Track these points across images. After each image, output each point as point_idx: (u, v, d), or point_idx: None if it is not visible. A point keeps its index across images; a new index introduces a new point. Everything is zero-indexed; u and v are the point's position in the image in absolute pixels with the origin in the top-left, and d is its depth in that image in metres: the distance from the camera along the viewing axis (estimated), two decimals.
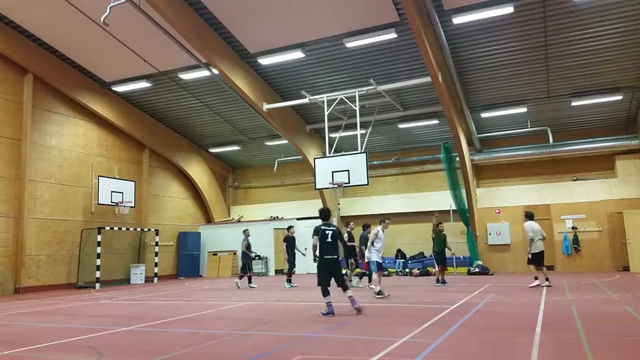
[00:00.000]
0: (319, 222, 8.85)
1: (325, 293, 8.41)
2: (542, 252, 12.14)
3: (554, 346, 5.53)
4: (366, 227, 13.57)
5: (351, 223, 14.28)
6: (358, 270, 14.32)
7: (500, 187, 19.73)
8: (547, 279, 12.33)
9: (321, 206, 20.68)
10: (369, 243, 11.49)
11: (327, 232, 8.48)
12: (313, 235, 8.54)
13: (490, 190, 19.83)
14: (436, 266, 14.16)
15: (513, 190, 19.43)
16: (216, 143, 22.78)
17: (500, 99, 17.09)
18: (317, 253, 8.47)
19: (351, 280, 13.67)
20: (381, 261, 11.45)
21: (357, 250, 13.66)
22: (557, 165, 19.05)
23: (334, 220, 21.08)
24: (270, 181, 24.24)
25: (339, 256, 8.68)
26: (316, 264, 8.58)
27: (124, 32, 14.66)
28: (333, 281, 8.57)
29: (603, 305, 8.77)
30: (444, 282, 13.81)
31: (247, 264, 15.24)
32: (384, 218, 12.08)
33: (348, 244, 13.23)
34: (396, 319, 7.93)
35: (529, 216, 12.46)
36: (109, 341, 6.61)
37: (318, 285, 8.53)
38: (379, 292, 10.93)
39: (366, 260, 11.74)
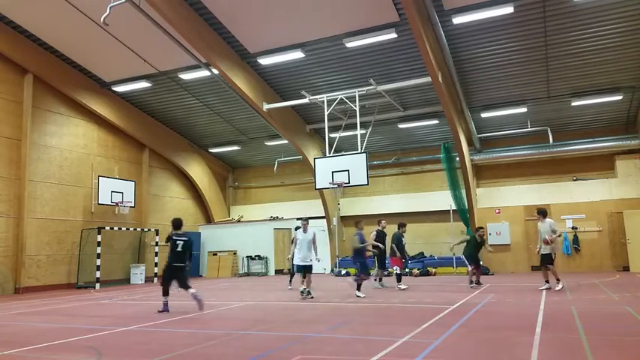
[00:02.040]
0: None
1: (165, 293, 9.42)
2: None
3: (554, 346, 5.53)
4: (401, 226, 13.34)
5: (383, 221, 13.68)
6: (392, 270, 13.74)
7: (500, 187, 19.73)
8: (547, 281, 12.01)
9: (320, 206, 21.00)
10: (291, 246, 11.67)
11: (177, 241, 9.32)
12: (166, 242, 9.45)
13: (490, 190, 19.83)
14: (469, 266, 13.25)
15: (513, 190, 19.43)
16: (216, 143, 22.78)
17: (500, 99, 17.09)
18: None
19: (376, 280, 13.45)
20: (302, 263, 11.18)
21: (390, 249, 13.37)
22: (557, 165, 19.04)
23: (334, 221, 21.12)
24: (270, 181, 24.24)
25: (185, 264, 9.46)
26: (164, 269, 9.64)
27: (124, 32, 14.66)
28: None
29: (603, 305, 8.77)
30: (478, 282, 13.25)
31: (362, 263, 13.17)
32: (302, 218, 12.02)
33: (374, 243, 13.11)
34: (396, 319, 7.93)
35: (545, 213, 11.68)
36: (109, 341, 6.61)
37: (162, 285, 9.57)
38: (302, 292, 11.20)
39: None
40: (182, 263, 9.36)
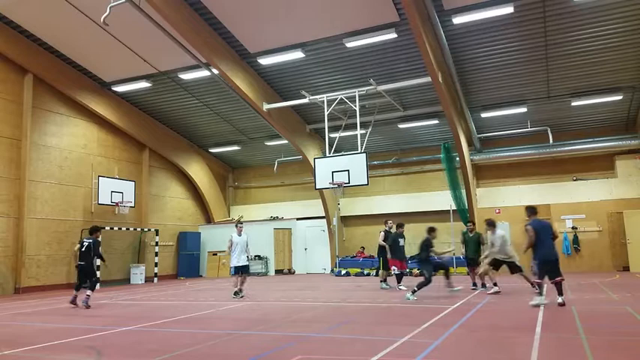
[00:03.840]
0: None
1: (77, 289, 10.98)
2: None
3: (554, 346, 5.53)
4: (399, 227, 13.10)
5: (389, 221, 13.63)
6: (382, 271, 13.69)
7: (501, 187, 19.73)
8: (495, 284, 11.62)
9: (320, 206, 21.00)
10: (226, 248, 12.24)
11: (84, 243, 11.00)
12: (79, 244, 11.22)
13: (490, 190, 19.82)
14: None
15: (513, 190, 19.43)
16: (216, 143, 22.78)
17: (500, 99, 17.09)
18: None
19: (382, 281, 13.37)
20: (239, 264, 11.87)
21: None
22: (557, 165, 19.04)
23: (334, 221, 21.10)
24: (270, 181, 24.23)
25: (90, 263, 10.95)
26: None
27: (124, 32, 14.65)
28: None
29: (603, 305, 8.77)
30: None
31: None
32: (237, 221, 12.58)
33: (382, 243, 13.12)
34: (396, 319, 7.94)
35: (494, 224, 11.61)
36: (109, 341, 6.61)
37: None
38: (235, 293, 11.82)
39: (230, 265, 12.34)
40: (84, 262, 10.87)
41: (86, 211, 18.06)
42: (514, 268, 11.16)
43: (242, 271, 11.99)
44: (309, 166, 19.11)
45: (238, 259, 11.91)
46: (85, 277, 10.94)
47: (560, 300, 8.59)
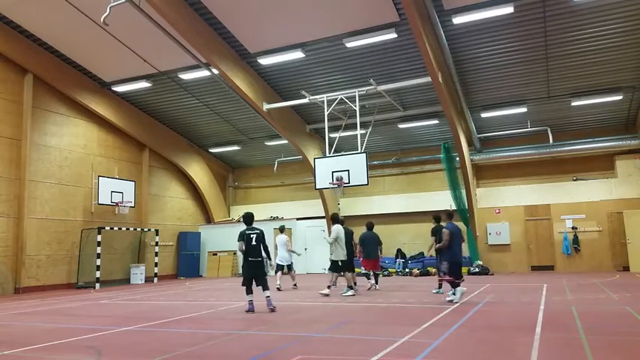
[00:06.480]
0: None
1: (248, 292, 9.23)
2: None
3: (554, 346, 5.53)
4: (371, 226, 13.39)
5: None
6: (358, 270, 13.81)
7: (501, 187, 19.73)
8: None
9: (320, 206, 21.02)
10: None
11: (251, 235, 9.23)
12: (239, 240, 9.23)
13: (490, 190, 19.83)
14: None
15: (513, 190, 19.44)
16: (216, 143, 22.79)
17: (500, 99, 17.09)
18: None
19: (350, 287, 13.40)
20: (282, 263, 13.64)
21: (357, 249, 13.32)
22: (557, 165, 19.05)
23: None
24: (270, 181, 24.24)
25: (262, 257, 9.35)
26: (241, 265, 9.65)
27: (124, 32, 14.65)
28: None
29: (603, 305, 8.77)
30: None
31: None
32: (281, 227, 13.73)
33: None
34: (396, 319, 7.94)
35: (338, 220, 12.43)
36: (109, 341, 6.61)
37: (243, 285, 9.32)
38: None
39: None
40: (258, 257, 9.37)
41: (86, 211, 18.07)
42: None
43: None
44: (309, 166, 19.11)
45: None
46: (261, 273, 9.36)
47: (451, 299, 9.55)
